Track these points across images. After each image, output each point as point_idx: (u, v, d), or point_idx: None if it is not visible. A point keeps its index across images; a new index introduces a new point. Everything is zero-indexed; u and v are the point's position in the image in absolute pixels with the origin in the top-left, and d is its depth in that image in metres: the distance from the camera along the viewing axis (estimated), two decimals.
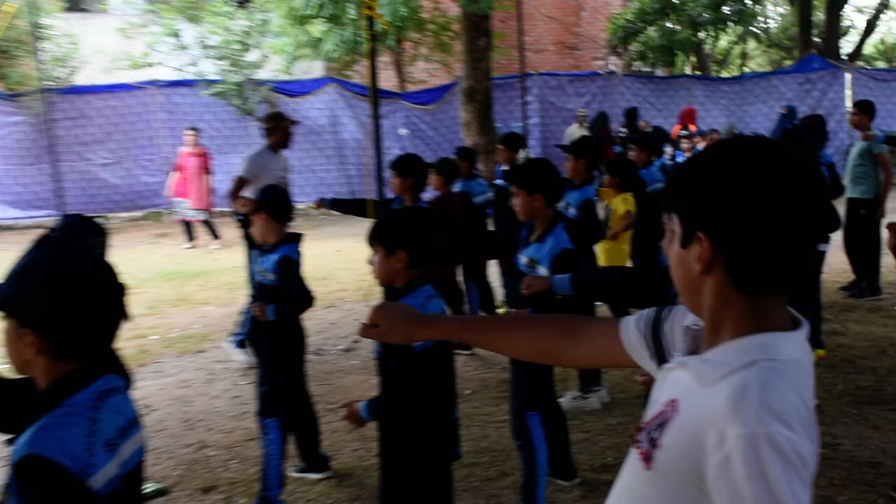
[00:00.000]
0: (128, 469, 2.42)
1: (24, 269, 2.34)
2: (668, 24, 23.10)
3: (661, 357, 2.06)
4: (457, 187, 9.11)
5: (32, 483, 2.18)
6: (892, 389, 7.45)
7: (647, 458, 1.78)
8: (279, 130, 9.02)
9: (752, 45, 28.52)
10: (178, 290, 12.18)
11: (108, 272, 2.42)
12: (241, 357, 8.76)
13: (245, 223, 7.09)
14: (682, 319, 2.01)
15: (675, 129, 17.64)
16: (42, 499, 2.18)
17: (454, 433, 4.42)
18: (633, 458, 1.85)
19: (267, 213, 5.65)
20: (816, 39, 24.75)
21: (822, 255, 7.95)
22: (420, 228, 4.05)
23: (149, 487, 6.03)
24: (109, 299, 2.40)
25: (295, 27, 16.82)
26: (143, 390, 8.06)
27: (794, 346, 1.73)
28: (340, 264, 13.32)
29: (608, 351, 2.23)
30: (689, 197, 1.79)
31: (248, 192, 8.31)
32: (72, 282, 2.33)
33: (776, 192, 1.70)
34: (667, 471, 1.75)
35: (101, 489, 2.26)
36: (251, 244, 7.03)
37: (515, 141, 10.17)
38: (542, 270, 5.21)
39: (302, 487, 6.09)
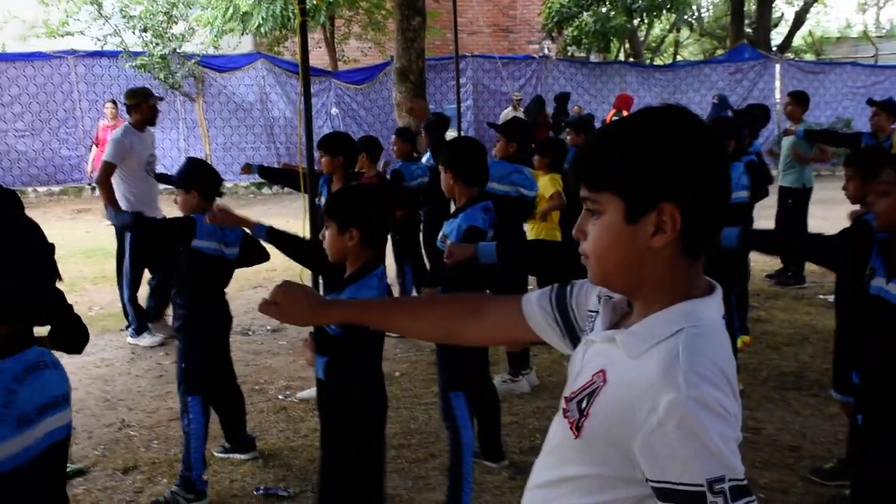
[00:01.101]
0: (41, 448, 2.40)
1: None
2: (603, 10, 23.19)
3: (570, 332, 2.12)
4: (394, 166, 9.24)
5: None
6: (814, 376, 7.66)
7: (576, 427, 1.83)
8: (145, 107, 8.78)
9: (685, 33, 28.85)
10: (99, 268, 12.05)
11: (36, 233, 2.45)
12: (148, 340, 8.88)
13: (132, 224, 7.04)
14: (586, 294, 2.08)
15: (609, 115, 17.69)
16: None
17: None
18: (559, 427, 1.91)
19: (197, 191, 5.58)
20: (748, 30, 25.22)
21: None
22: (374, 207, 4.04)
23: (69, 467, 5.97)
24: (39, 260, 2.45)
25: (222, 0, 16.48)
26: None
27: (713, 310, 1.82)
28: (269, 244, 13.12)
29: (512, 328, 2.28)
30: (644, 170, 1.79)
31: (115, 177, 8.46)
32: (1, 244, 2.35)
33: (717, 152, 1.85)
34: (595, 439, 1.80)
35: (7, 461, 2.27)
36: None
37: (444, 122, 10.12)
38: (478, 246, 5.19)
39: (227, 468, 6.02)
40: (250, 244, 5.60)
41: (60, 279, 2.51)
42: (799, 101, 11.36)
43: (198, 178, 5.27)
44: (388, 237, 6.73)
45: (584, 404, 1.83)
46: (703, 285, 1.86)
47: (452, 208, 5.68)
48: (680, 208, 1.75)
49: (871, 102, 10.22)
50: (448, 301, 2.58)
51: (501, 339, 2.21)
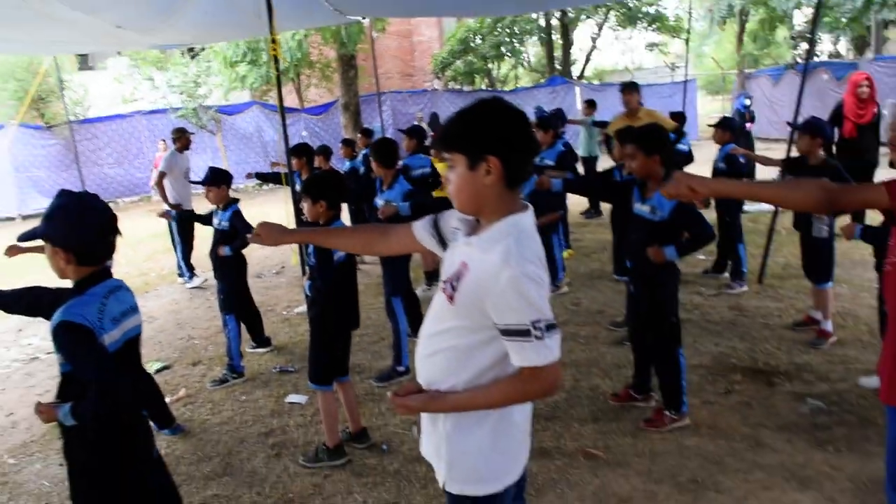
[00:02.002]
0: (128, 337, 2.52)
1: (52, 212, 2.39)
2: (469, 59, 23.33)
3: (442, 242, 2.16)
4: (348, 165, 9.22)
5: (64, 338, 2.28)
6: (610, 269, 7.83)
7: (451, 298, 1.92)
8: (183, 139, 9.01)
9: (521, 70, 28.79)
10: (162, 243, 11.72)
11: (106, 210, 2.46)
12: (196, 282, 8.96)
13: (177, 217, 7.56)
14: (450, 218, 2.11)
15: None
16: (71, 346, 2.29)
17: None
18: (440, 299, 1.99)
19: (217, 187, 5.67)
20: (557, 66, 25.29)
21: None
22: (333, 185, 4.07)
23: (157, 365, 6.19)
24: (109, 226, 2.45)
25: (228, 69, 16.63)
26: (148, 308, 7.91)
27: (528, 220, 1.92)
28: (270, 219, 12.96)
29: (407, 242, 2.30)
30: (474, 137, 1.86)
31: (166, 182, 8.65)
32: (85, 215, 2.39)
33: (521, 122, 1.87)
34: (462, 303, 1.89)
35: (110, 346, 2.38)
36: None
37: (369, 132, 10.08)
38: (398, 204, 5.39)
39: (255, 358, 6.23)
40: (242, 222, 5.63)
41: (121, 235, 2.51)
42: (590, 105, 12.56)
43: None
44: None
45: (455, 283, 1.91)
46: (521, 205, 1.94)
47: None
48: (500, 158, 1.83)
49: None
50: (368, 228, 2.58)
51: (400, 250, 2.26)
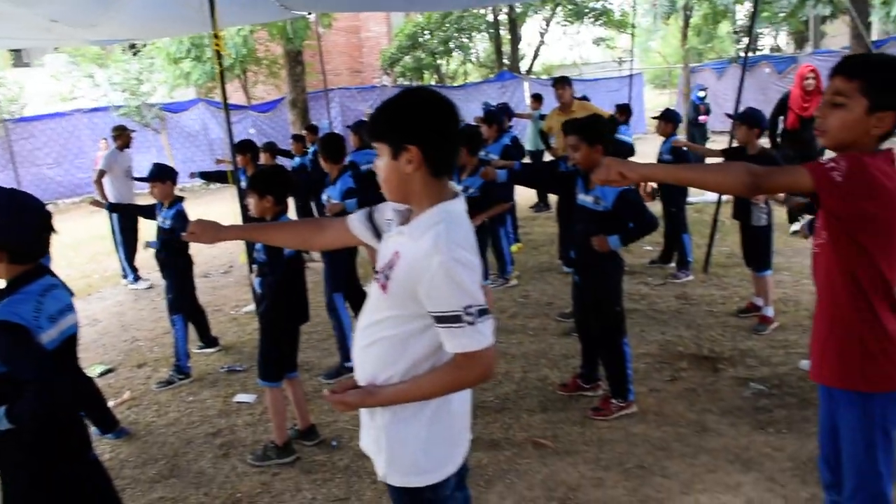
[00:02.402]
0: (65, 336, 2.47)
1: None
2: (418, 54, 23.26)
3: (377, 234, 2.17)
4: (297, 161, 9.16)
5: (0, 338, 2.24)
6: (558, 262, 7.85)
7: (384, 287, 1.92)
8: (123, 137, 8.80)
9: (469, 65, 28.83)
10: (103, 244, 11.52)
11: (41, 208, 2.43)
12: (142, 285, 8.78)
13: (109, 208, 6.96)
14: (384, 210, 2.13)
15: None
16: (8, 346, 2.25)
17: None
18: (375, 289, 1.98)
19: (162, 183, 5.56)
20: (506, 62, 25.46)
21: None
22: (280, 180, 4.05)
23: (100, 368, 6.05)
24: (44, 223, 2.42)
25: (172, 66, 16.26)
26: (91, 311, 7.71)
27: (458, 207, 1.93)
28: (216, 217, 12.68)
29: (343, 236, 2.30)
30: (395, 126, 1.88)
31: (106, 181, 8.54)
32: (20, 213, 2.36)
33: (447, 114, 1.88)
34: (396, 292, 1.90)
35: (48, 345, 2.34)
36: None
37: (315, 129, 10.05)
38: (346, 202, 5.39)
39: (203, 358, 6.14)
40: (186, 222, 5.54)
41: (56, 232, 2.45)
42: (536, 99, 12.36)
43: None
44: None
45: (388, 272, 1.91)
46: (450, 192, 1.95)
47: None
48: (419, 147, 1.85)
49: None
50: (304, 223, 2.64)
51: (337, 244, 2.26)
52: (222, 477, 4.05)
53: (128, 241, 8.61)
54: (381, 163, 1.91)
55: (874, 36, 17.89)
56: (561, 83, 7.55)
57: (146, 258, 8.22)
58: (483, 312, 1.80)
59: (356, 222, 2.24)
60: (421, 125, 1.85)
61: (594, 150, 4.16)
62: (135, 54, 18.58)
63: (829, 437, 2.47)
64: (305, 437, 4.34)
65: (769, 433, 4.02)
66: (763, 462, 3.73)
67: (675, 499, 3.48)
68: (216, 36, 5.71)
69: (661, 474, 3.68)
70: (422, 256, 1.80)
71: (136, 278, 8.76)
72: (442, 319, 1.80)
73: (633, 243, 4.47)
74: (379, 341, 1.97)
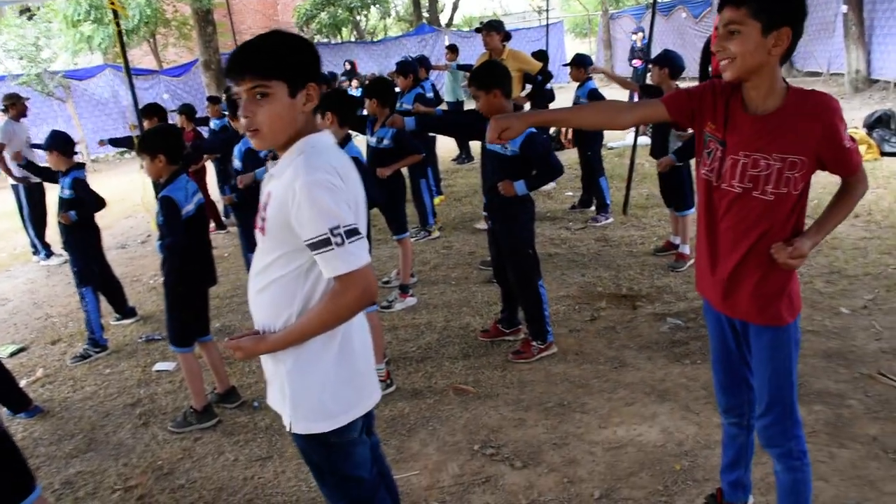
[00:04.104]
0: None
1: None
2: (333, 10, 22.89)
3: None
4: (216, 123, 8.81)
5: None
6: (480, 214, 7.85)
7: (263, 230, 1.96)
8: (17, 106, 8.30)
9: (390, 20, 28.46)
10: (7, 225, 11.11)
11: None
12: (55, 261, 8.48)
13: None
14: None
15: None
16: None
17: None
18: (258, 235, 2.00)
19: (58, 151, 5.31)
20: (426, 14, 25.13)
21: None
22: (168, 138, 3.97)
23: (11, 348, 5.87)
24: None
25: (71, 29, 15.50)
26: (1, 290, 7.48)
27: (325, 138, 1.95)
28: (130, 189, 12.32)
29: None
30: (294, 65, 1.86)
31: (6, 155, 8.00)
32: None
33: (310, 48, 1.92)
34: (273, 230, 1.92)
35: None
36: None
37: (216, 100, 9.72)
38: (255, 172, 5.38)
39: (120, 329, 6.04)
40: (84, 190, 5.32)
41: None
42: (452, 50, 12.34)
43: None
44: None
45: (264, 215, 1.94)
46: (317, 128, 1.98)
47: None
48: (317, 84, 1.91)
49: None
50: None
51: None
52: (142, 446, 3.99)
53: (36, 217, 8.35)
54: (271, 102, 1.85)
55: None
56: (489, 29, 7.31)
57: (57, 234, 7.97)
58: (352, 233, 1.80)
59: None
60: (312, 62, 1.90)
61: (492, 96, 4.15)
62: (29, 18, 17.59)
63: (723, 364, 2.55)
64: (225, 400, 4.30)
65: (685, 364, 4.15)
66: (678, 392, 3.85)
67: (593, 433, 3.56)
68: None
69: (581, 410, 3.77)
70: (286, 187, 1.83)
71: (49, 254, 8.50)
72: (314, 246, 1.80)
73: (546, 187, 4.54)
74: (269, 285, 1.97)
